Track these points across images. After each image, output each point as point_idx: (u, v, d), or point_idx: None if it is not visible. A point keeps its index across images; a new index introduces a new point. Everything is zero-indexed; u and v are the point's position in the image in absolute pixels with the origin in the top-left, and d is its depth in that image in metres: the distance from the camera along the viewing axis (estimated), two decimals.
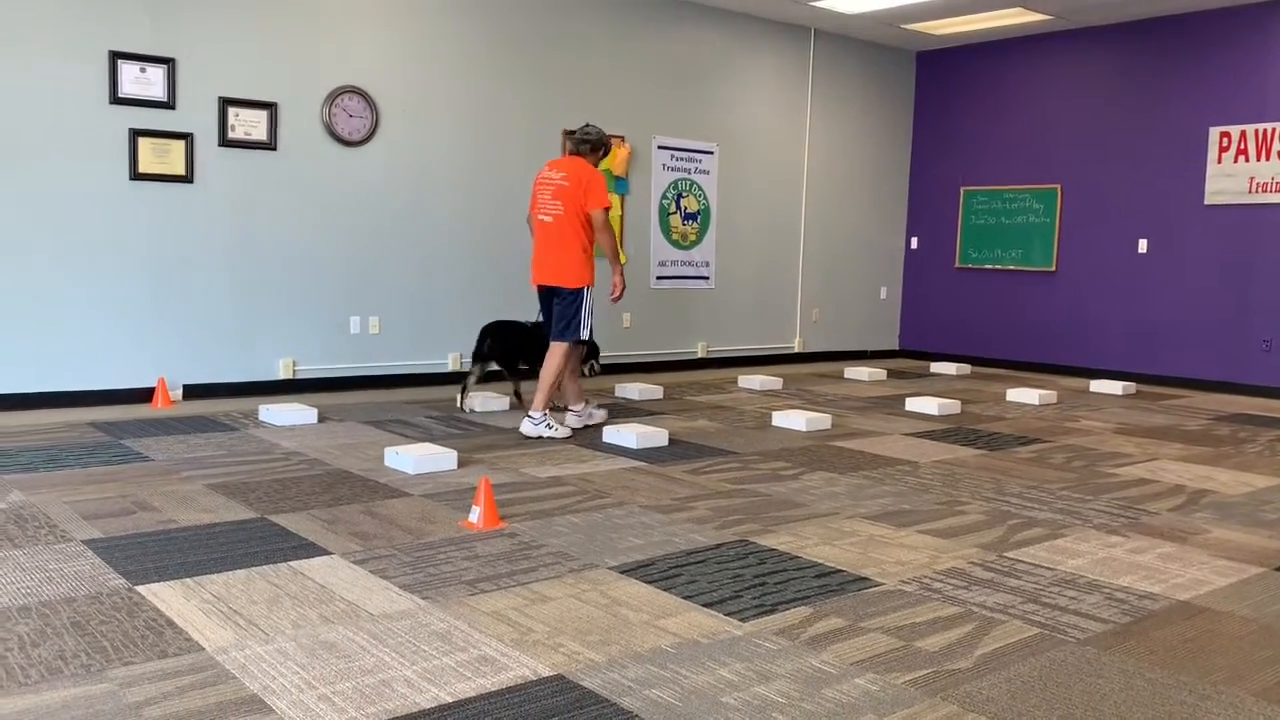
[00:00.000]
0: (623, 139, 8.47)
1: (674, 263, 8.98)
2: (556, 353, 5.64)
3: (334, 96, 6.97)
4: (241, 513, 3.93)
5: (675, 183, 8.92)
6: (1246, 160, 8.36)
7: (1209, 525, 4.16)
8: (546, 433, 5.61)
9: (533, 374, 6.21)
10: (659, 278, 8.86)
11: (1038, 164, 9.76)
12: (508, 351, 6.43)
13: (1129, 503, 4.52)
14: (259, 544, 3.53)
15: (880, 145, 10.50)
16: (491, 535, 3.72)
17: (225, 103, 6.56)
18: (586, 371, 6.69)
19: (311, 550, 3.48)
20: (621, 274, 5.71)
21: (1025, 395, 7.66)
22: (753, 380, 8.04)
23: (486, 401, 6.53)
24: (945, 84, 10.46)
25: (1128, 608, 3.12)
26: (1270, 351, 8.35)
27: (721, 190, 9.26)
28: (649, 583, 3.23)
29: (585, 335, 5.66)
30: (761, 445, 5.63)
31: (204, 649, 2.61)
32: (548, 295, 5.78)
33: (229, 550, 3.45)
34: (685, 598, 3.09)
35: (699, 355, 9.20)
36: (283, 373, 6.95)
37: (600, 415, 6.07)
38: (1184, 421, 6.93)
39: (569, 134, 5.42)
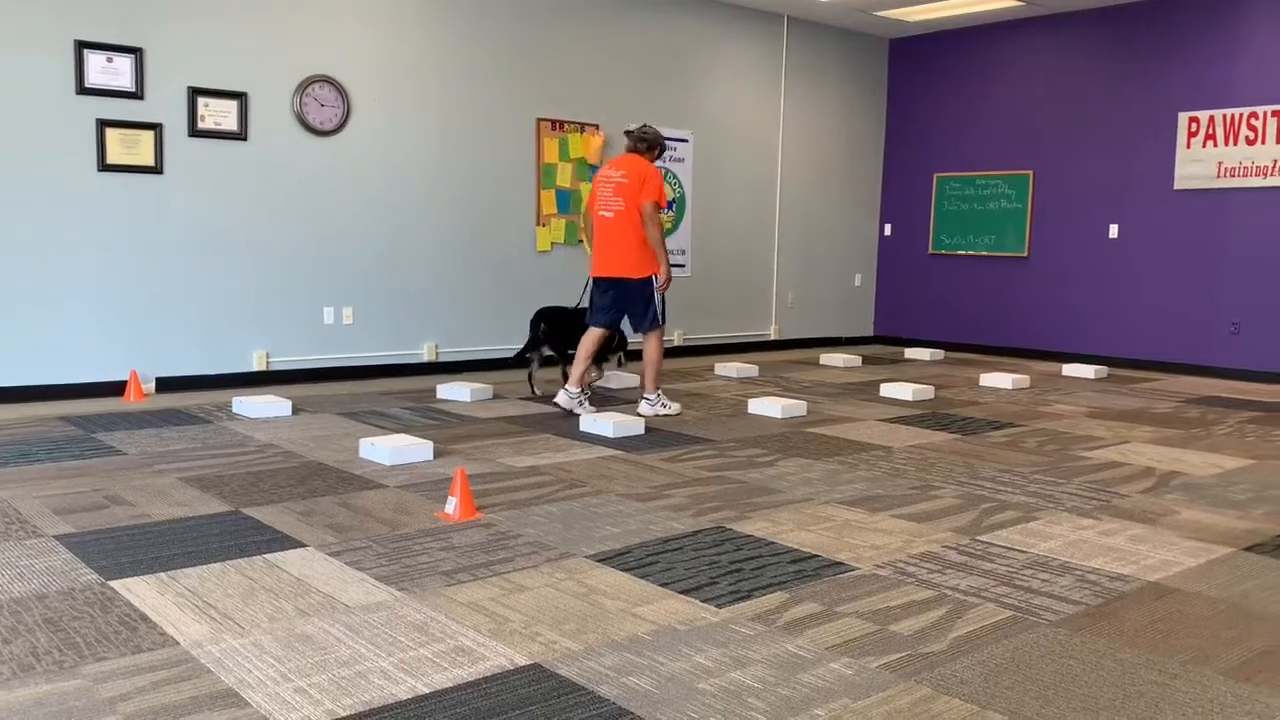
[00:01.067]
0: (597, 127, 8.44)
1: None
2: (652, 341, 6.05)
3: (305, 86, 6.92)
4: (215, 506, 3.91)
5: None
6: (1215, 145, 8.44)
7: (1179, 507, 4.22)
8: (662, 411, 6.07)
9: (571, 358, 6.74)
10: None
11: (1010, 150, 9.81)
12: (558, 335, 6.68)
13: (1100, 485, 4.57)
14: (233, 537, 3.51)
15: (854, 132, 10.53)
16: (468, 526, 3.72)
17: (195, 92, 6.49)
18: (616, 363, 7.06)
19: (286, 543, 3.47)
20: (667, 265, 5.96)
21: (998, 380, 7.72)
22: (729, 368, 8.06)
23: (460, 391, 6.52)
24: (918, 71, 10.50)
25: (1099, 589, 3.16)
26: (1238, 334, 8.45)
27: (696, 178, 9.26)
28: (626, 571, 3.24)
29: (662, 321, 6.07)
30: (738, 432, 5.65)
31: (179, 643, 2.60)
32: (606, 287, 6.06)
33: (203, 544, 3.43)
34: (662, 585, 3.11)
35: (675, 343, 9.21)
36: (256, 365, 6.91)
37: (589, 409, 6.08)
38: (1154, 404, 7.00)
39: (628, 133, 6.06)
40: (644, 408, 6.10)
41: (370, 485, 4.29)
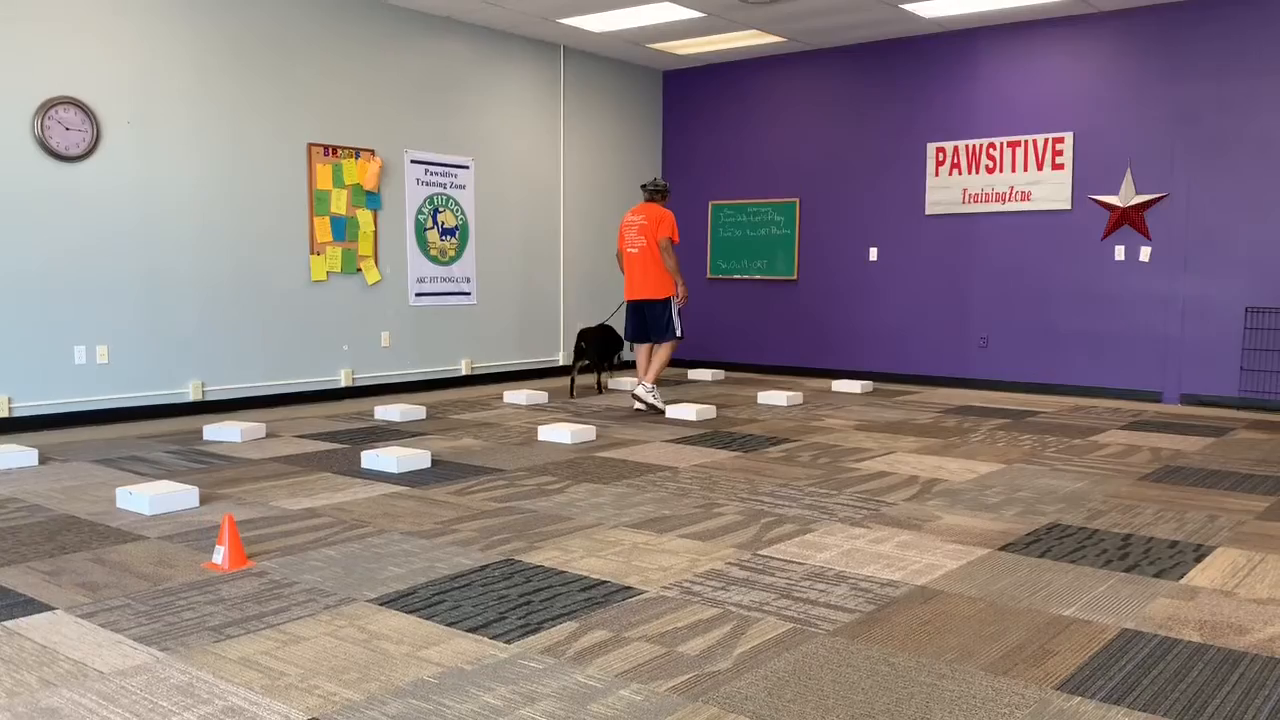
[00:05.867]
0: (373, 152, 8.24)
1: (433, 279, 8.82)
2: (665, 347, 7.61)
3: (47, 107, 6.39)
4: None
5: (431, 197, 8.76)
6: (960, 173, 9.14)
7: (940, 512, 4.50)
8: (654, 401, 7.41)
9: (605, 367, 8.68)
10: (418, 295, 8.68)
11: (778, 178, 10.27)
12: (591, 349, 8.41)
13: (870, 495, 4.81)
14: None
15: (633, 160, 10.74)
16: (238, 576, 3.50)
17: None
18: (610, 370, 8.91)
19: (30, 607, 3.15)
20: (684, 284, 7.56)
21: (774, 398, 8.03)
22: (518, 395, 8.01)
23: (229, 431, 6.16)
24: (691, 102, 10.84)
25: (872, 596, 3.32)
26: (987, 348, 9.15)
27: (480, 205, 9.18)
28: (410, 613, 3.13)
29: (679, 332, 7.57)
30: (527, 461, 5.61)
31: None
32: (637, 307, 7.63)
33: None
34: (449, 625, 3.02)
35: (463, 372, 9.08)
36: None
37: (658, 399, 7.48)
38: (916, 415, 7.47)
39: (643, 187, 7.64)
40: (640, 390, 7.44)
41: (128, 538, 3.97)
